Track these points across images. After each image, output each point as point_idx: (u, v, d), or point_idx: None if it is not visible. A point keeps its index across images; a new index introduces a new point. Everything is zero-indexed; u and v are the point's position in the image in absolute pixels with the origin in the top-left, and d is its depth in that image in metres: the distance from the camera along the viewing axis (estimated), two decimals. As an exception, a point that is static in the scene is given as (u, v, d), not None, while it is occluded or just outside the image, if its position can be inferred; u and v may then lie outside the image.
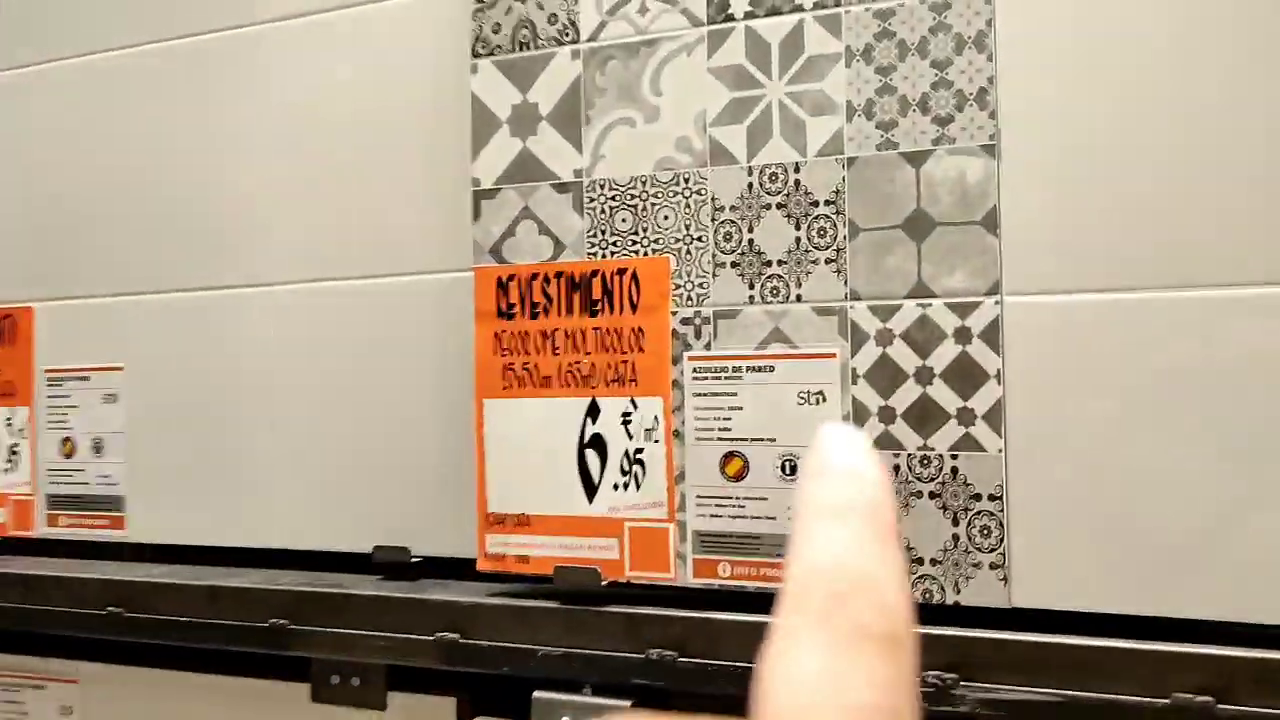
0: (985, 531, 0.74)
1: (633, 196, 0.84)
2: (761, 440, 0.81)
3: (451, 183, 0.91)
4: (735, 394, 0.81)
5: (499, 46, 0.87)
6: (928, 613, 0.74)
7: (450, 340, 0.92)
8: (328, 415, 0.98)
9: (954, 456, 0.74)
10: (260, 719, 0.99)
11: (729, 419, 0.82)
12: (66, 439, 1.09)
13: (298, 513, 0.99)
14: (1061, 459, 0.72)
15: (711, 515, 0.83)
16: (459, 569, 0.92)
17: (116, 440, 1.06)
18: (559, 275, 0.88)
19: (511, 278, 0.89)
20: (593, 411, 0.86)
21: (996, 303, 0.73)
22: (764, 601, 0.78)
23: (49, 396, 1.09)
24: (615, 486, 0.85)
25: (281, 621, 0.93)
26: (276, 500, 1.00)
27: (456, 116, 0.90)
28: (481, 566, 0.90)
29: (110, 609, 0.99)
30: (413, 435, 0.94)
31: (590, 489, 0.86)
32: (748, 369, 0.81)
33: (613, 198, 0.85)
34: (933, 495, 0.76)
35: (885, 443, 0.77)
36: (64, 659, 1.05)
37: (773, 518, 0.81)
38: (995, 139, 0.73)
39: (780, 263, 0.79)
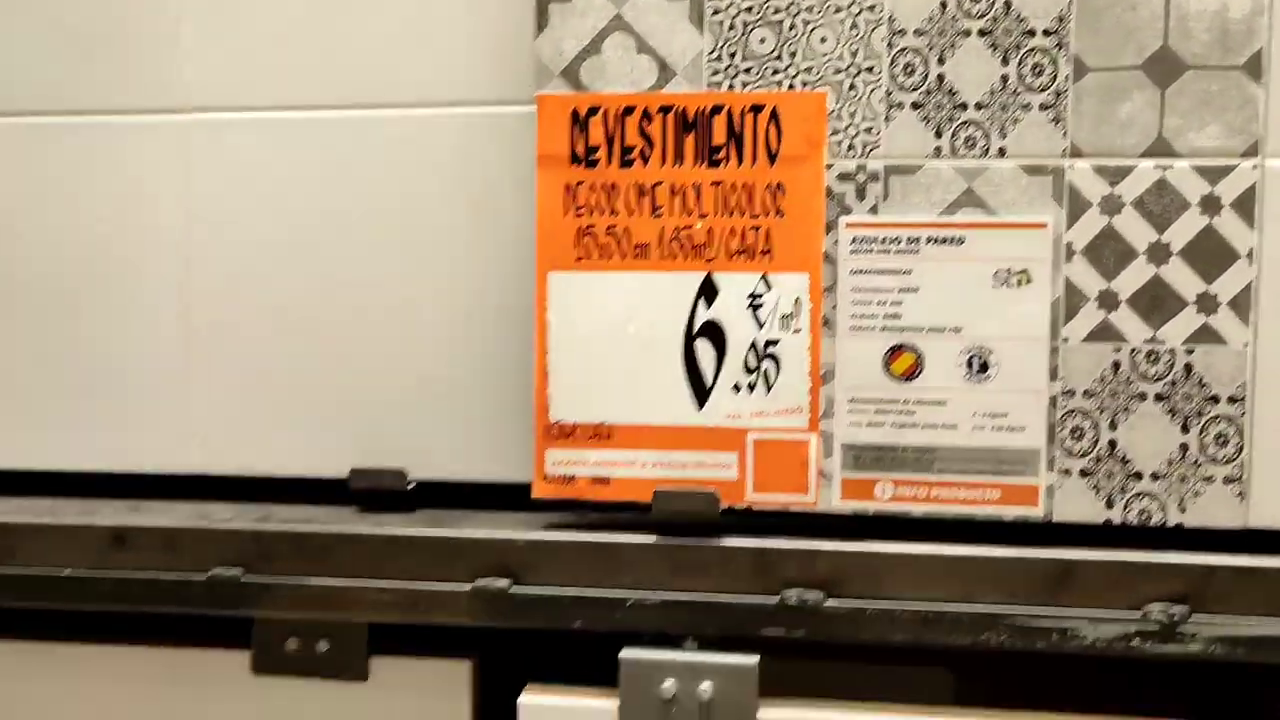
0: (1221, 440, 0.63)
1: (777, 10, 0.65)
2: (942, 330, 0.65)
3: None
4: (909, 271, 0.65)
5: None
6: (1144, 536, 0.65)
7: (494, 193, 0.72)
8: (284, 289, 0.76)
9: (1189, 351, 0.64)
10: (193, 696, 0.73)
11: (899, 303, 0.66)
12: None
13: (231, 423, 0.77)
14: (1320, 354, 0.64)
15: (869, 424, 0.66)
16: (485, 498, 0.75)
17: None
18: (665, 110, 0.67)
19: (594, 111, 0.67)
20: (707, 291, 0.67)
21: (1255, 167, 0.63)
22: (932, 530, 0.67)
23: None
24: (736, 388, 0.67)
25: (230, 572, 0.71)
26: (198, 407, 0.77)
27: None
28: (539, 492, 0.69)
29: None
30: (424, 319, 0.74)
31: (701, 391, 0.67)
32: (928, 240, 0.65)
33: (748, 9, 0.65)
34: (1159, 398, 0.64)
35: (1104, 334, 0.64)
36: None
37: (953, 426, 0.65)
38: (1268, -37, 0.61)
39: (980, 106, 0.64)
